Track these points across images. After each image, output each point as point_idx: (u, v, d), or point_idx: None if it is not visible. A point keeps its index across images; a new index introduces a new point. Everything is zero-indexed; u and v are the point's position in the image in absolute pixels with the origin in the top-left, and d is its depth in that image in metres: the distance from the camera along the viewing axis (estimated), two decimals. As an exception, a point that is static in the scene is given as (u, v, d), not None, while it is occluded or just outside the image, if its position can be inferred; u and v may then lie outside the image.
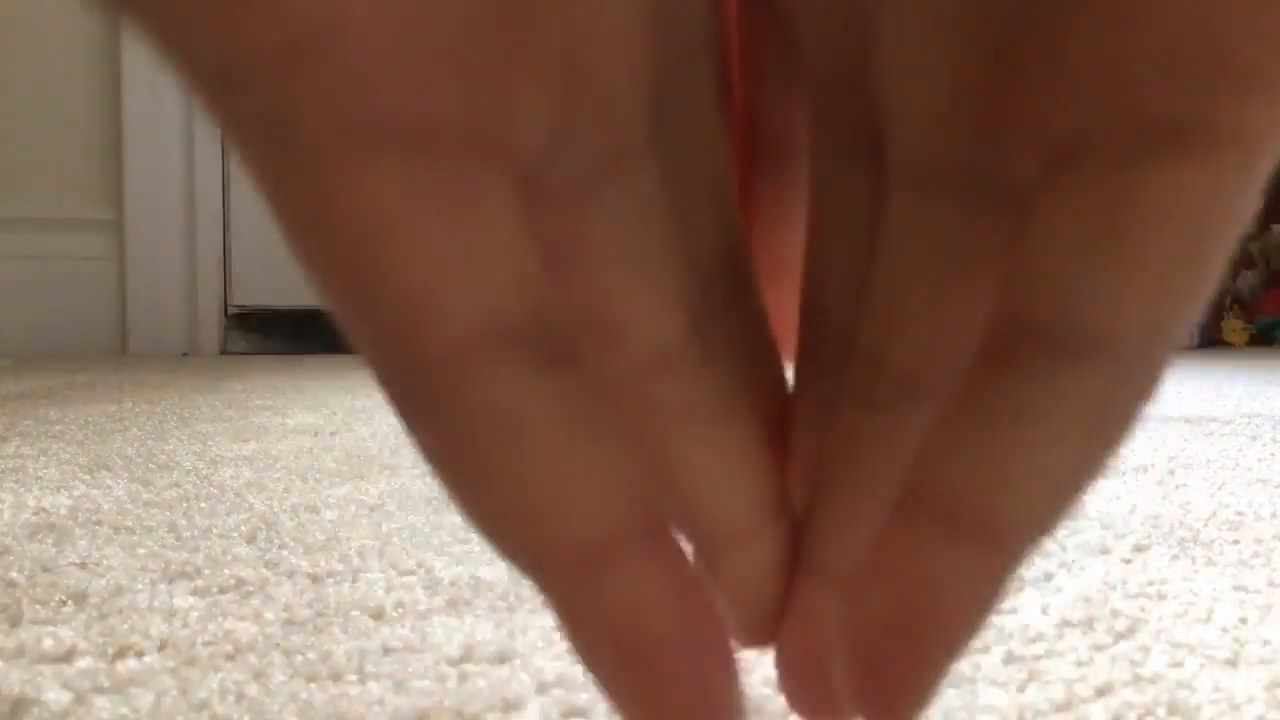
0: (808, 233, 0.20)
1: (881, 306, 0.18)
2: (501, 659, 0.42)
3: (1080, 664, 0.41)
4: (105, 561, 0.55)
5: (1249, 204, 0.14)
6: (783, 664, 0.21)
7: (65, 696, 0.38)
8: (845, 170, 0.18)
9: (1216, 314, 3.13)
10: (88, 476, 0.79)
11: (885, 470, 0.18)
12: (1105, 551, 0.58)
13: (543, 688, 0.39)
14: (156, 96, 2.11)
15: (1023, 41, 0.15)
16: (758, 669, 0.41)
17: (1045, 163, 0.15)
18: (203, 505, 0.69)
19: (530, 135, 0.14)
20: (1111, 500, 0.72)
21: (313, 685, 0.39)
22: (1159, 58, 0.14)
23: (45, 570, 0.54)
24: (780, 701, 0.38)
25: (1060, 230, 0.14)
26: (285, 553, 0.57)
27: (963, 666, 0.41)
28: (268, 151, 0.13)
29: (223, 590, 0.51)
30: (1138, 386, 0.14)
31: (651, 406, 0.17)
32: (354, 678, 0.40)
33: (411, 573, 0.54)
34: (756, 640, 0.20)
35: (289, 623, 0.46)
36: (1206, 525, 0.65)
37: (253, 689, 0.39)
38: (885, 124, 0.17)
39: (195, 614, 0.47)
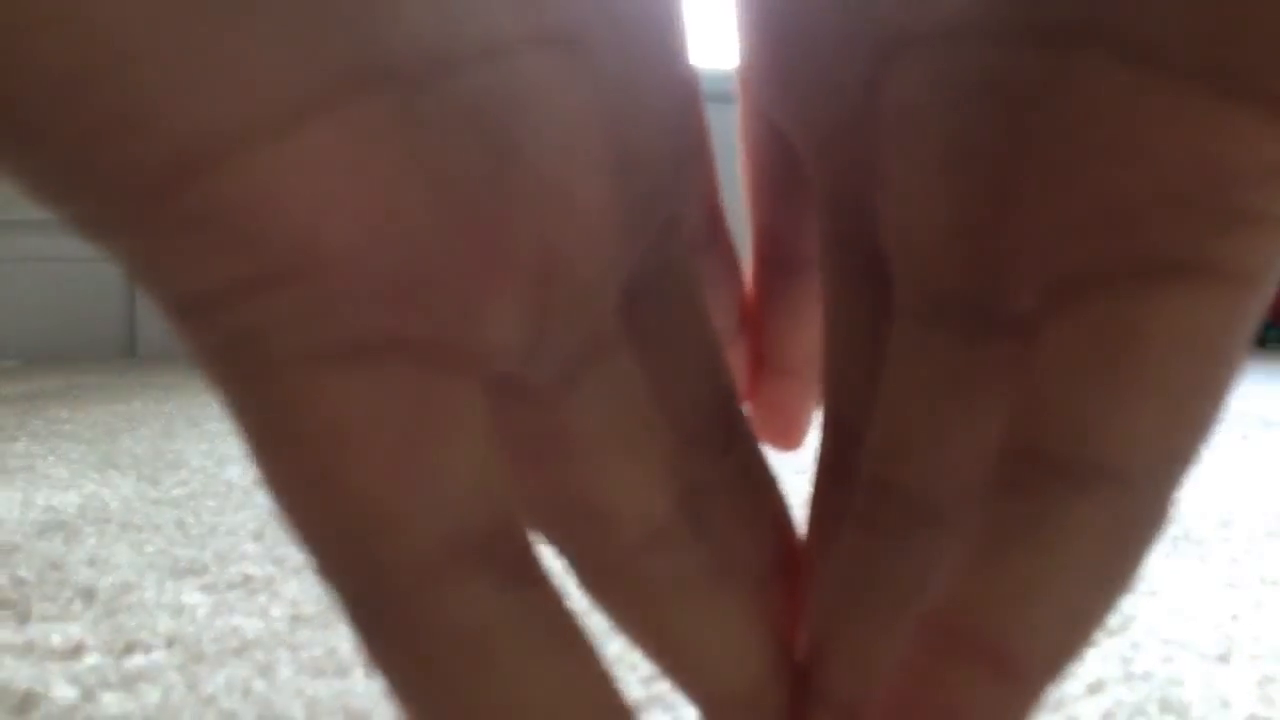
0: (824, 346, 0.20)
1: (884, 429, 0.17)
2: (503, 655, 0.42)
3: (1073, 660, 0.41)
4: (113, 559, 0.56)
5: (1251, 328, 0.14)
6: None
7: (73, 692, 0.38)
8: (854, 290, 0.18)
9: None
10: (96, 475, 0.80)
11: (893, 599, 0.18)
12: (1102, 549, 0.59)
13: (543, 683, 0.39)
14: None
15: (1023, 179, 0.15)
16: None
17: (1047, 295, 0.15)
18: (210, 503, 0.70)
19: (502, 339, 0.14)
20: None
21: (319, 681, 0.40)
22: (1160, 194, 0.14)
23: (54, 568, 0.54)
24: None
25: (1067, 361, 0.14)
26: (292, 549, 0.58)
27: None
28: (232, 365, 0.13)
29: (230, 587, 0.51)
30: (1151, 511, 0.14)
31: (644, 581, 0.17)
32: (360, 673, 0.40)
33: (415, 570, 0.54)
34: None
35: (296, 619, 0.46)
36: (1198, 523, 0.66)
37: (260, 684, 0.39)
38: (888, 255, 0.17)
39: (203, 610, 0.47)
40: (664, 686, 0.39)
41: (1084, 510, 0.14)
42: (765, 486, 0.20)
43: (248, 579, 0.52)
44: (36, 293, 2.06)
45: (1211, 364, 0.14)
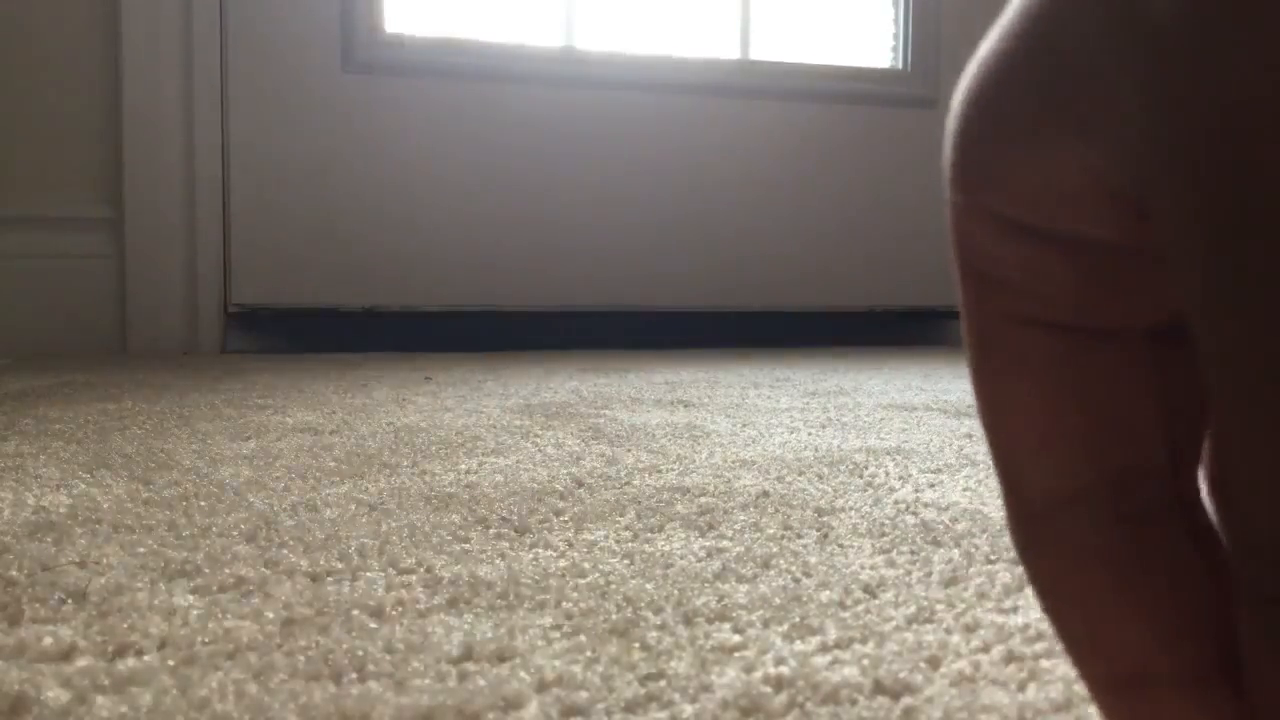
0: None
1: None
2: (501, 658, 0.42)
3: (1080, 663, 0.41)
4: (105, 560, 0.55)
5: None
6: None
7: (65, 695, 0.38)
8: None
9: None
10: (87, 475, 0.79)
11: None
12: (1105, 550, 0.58)
13: (542, 686, 0.39)
14: (156, 95, 2.10)
15: None
16: (758, 668, 0.41)
17: None
18: (202, 504, 0.69)
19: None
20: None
21: (313, 684, 0.39)
22: None
23: (45, 569, 0.54)
24: (780, 700, 0.38)
25: None
26: (285, 551, 0.57)
27: (963, 666, 0.41)
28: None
29: (222, 589, 0.51)
30: None
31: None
32: (354, 676, 0.40)
33: (411, 571, 0.54)
34: None
35: (289, 621, 0.46)
36: (1206, 524, 0.65)
37: (253, 688, 0.39)
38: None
39: (195, 613, 0.47)
40: (662, 684, 0.39)
41: None
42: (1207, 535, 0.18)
43: (240, 581, 0.52)
44: (28, 291, 2.05)
45: None
